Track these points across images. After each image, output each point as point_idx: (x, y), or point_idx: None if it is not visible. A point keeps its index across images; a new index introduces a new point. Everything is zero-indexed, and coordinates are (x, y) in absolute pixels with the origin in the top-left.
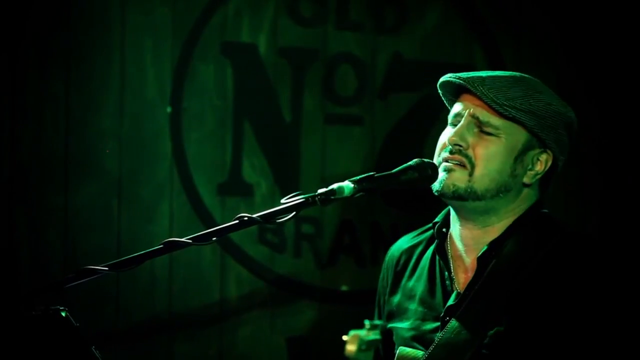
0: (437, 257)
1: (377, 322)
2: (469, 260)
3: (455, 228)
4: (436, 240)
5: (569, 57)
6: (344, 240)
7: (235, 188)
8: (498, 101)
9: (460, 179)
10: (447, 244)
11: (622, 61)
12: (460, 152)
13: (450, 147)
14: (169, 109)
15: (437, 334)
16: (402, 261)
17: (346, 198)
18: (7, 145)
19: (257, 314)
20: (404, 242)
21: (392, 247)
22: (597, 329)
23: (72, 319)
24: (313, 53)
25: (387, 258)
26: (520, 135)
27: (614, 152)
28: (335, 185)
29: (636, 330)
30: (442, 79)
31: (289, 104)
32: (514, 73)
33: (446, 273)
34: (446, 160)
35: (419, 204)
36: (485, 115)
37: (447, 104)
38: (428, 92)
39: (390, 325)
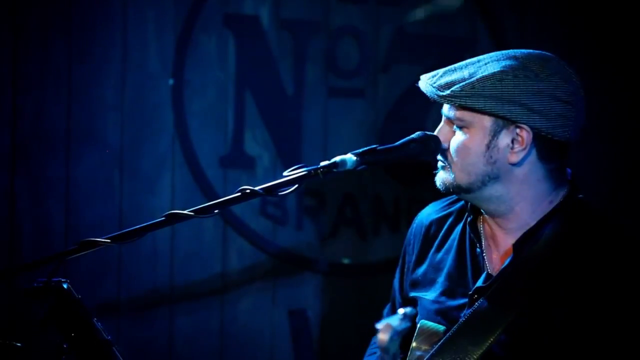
0: (467, 232)
1: (409, 311)
2: (502, 243)
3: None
4: (470, 217)
5: (572, 31)
6: (345, 213)
7: (237, 160)
8: (442, 93)
9: (445, 178)
10: (480, 221)
11: (628, 33)
12: (443, 153)
13: None
14: (170, 81)
15: (463, 312)
16: (431, 231)
17: (348, 171)
18: (9, 116)
19: (259, 287)
20: (433, 212)
21: (421, 214)
22: (621, 337)
23: (73, 291)
24: (316, 25)
25: (415, 225)
26: (483, 122)
27: (620, 126)
28: (337, 158)
29: None
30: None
31: (291, 76)
32: (482, 56)
33: (478, 250)
34: (438, 160)
35: (422, 177)
36: (448, 111)
37: None
38: (431, 65)
39: (413, 294)
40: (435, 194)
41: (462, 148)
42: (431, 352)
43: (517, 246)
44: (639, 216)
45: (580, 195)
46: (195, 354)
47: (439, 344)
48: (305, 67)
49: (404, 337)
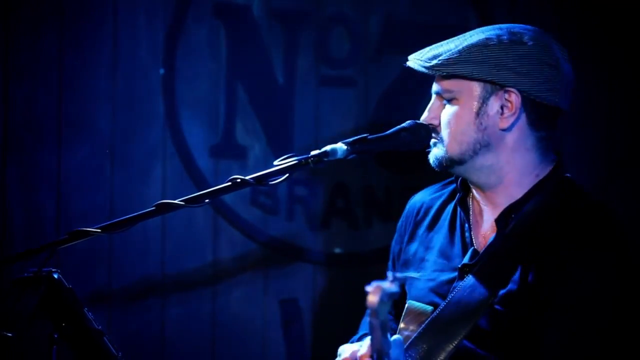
0: (458, 210)
1: (399, 274)
2: (488, 220)
3: (474, 189)
4: (459, 194)
5: (564, 19)
6: (337, 202)
7: (228, 150)
8: (429, 64)
9: (438, 152)
10: (470, 198)
11: (619, 21)
12: (434, 130)
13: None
14: (161, 71)
15: (450, 290)
16: (422, 211)
17: (339, 160)
18: (0, 105)
19: (250, 276)
20: (426, 194)
21: (414, 198)
22: (603, 304)
23: (64, 280)
24: (306, 15)
25: (407, 207)
26: (471, 89)
27: (613, 114)
28: (328, 147)
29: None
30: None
31: (282, 65)
32: (470, 32)
33: (466, 225)
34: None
35: (413, 166)
36: (437, 85)
37: None
38: None
39: (406, 273)
40: (427, 183)
41: (453, 118)
42: (418, 330)
43: (500, 222)
44: (631, 204)
45: (568, 175)
46: (187, 343)
47: (425, 322)
48: (296, 57)
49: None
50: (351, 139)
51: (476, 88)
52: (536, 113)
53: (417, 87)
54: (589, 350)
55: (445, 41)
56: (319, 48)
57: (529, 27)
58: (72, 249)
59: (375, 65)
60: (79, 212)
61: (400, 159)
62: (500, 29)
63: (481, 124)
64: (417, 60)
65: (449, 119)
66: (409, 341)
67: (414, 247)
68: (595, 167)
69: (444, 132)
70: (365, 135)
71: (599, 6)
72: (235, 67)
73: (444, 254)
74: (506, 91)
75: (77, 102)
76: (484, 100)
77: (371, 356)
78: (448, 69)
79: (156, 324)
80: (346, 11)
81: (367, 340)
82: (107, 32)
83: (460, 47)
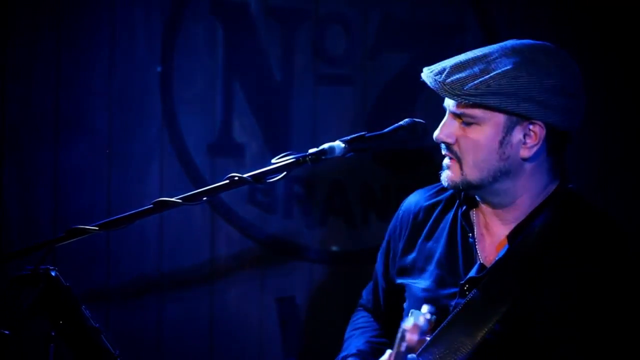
0: (459, 222)
1: (431, 310)
2: (496, 233)
3: (481, 204)
4: (464, 207)
5: (561, 19)
6: (334, 200)
7: (226, 148)
8: (457, 91)
9: (454, 174)
10: (474, 212)
11: (616, 22)
12: (449, 149)
13: (441, 143)
14: (158, 68)
15: (453, 301)
16: (419, 218)
17: (337, 158)
18: None
19: (247, 274)
20: (421, 199)
21: (408, 200)
22: (612, 325)
23: (62, 278)
24: (304, 12)
25: (402, 211)
26: (497, 118)
27: (610, 114)
28: (326, 145)
29: None
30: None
31: (280, 63)
32: (484, 49)
33: (470, 240)
34: (445, 156)
35: (410, 164)
36: (458, 107)
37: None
38: (419, 52)
39: (401, 281)
40: (424, 181)
41: (475, 145)
42: (425, 344)
43: (511, 237)
44: (628, 205)
45: (571, 185)
46: (184, 341)
47: (433, 334)
48: (293, 55)
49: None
50: (349, 137)
51: (502, 118)
52: (556, 141)
53: (415, 86)
54: None
55: (465, 59)
56: (317, 46)
57: (547, 47)
58: (69, 247)
59: (373, 64)
60: (77, 210)
61: (398, 157)
62: (522, 52)
63: (504, 153)
64: (439, 84)
65: (470, 145)
66: (417, 353)
67: (412, 256)
68: (591, 167)
69: (465, 158)
70: (363, 133)
71: (595, 6)
72: (232, 64)
73: (444, 267)
74: (531, 123)
75: (74, 99)
76: (508, 130)
77: None
78: (477, 99)
79: (153, 321)
80: (344, 9)
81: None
82: (105, 30)
83: (488, 75)
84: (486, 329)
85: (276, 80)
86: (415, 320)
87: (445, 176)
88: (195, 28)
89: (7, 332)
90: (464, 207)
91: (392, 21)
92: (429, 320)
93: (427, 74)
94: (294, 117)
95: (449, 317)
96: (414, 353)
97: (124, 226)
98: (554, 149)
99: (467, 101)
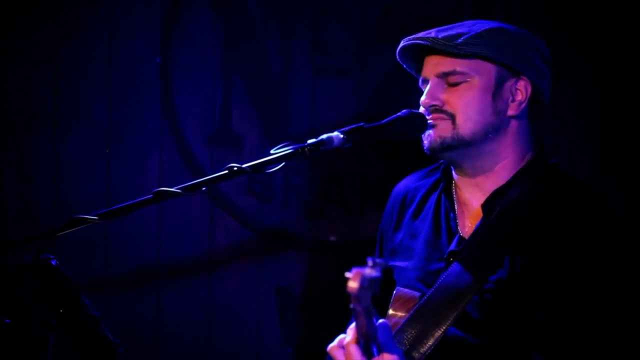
0: (442, 199)
1: (379, 260)
2: (474, 206)
3: (458, 176)
4: (442, 183)
5: (558, 12)
6: (332, 191)
7: (225, 139)
8: (451, 43)
9: (445, 129)
10: (454, 187)
11: (613, 14)
12: (437, 111)
13: (427, 109)
14: (158, 60)
15: (441, 276)
16: (407, 200)
17: (335, 149)
18: None
19: (246, 263)
20: (410, 181)
21: (398, 185)
22: (590, 283)
23: (62, 267)
24: (302, 4)
25: (392, 195)
26: (489, 71)
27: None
28: (324, 136)
29: (624, 291)
30: (398, 51)
31: (278, 55)
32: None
33: (451, 215)
34: (429, 120)
35: (408, 155)
36: (448, 65)
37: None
38: None
39: (392, 263)
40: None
41: (469, 100)
42: (407, 317)
43: (486, 207)
44: (625, 196)
45: (553, 160)
46: (182, 329)
47: (414, 309)
48: (292, 46)
49: (380, 294)
50: (347, 128)
51: (494, 70)
52: (535, 106)
53: (413, 78)
54: (583, 329)
55: (448, 26)
56: (315, 38)
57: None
58: (69, 237)
59: (371, 56)
60: (76, 201)
61: (396, 148)
62: (502, 24)
63: (497, 106)
64: (431, 39)
65: (464, 102)
66: (398, 327)
67: (400, 235)
68: (589, 158)
69: (458, 112)
70: (361, 124)
71: (593, 1)
72: (231, 56)
73: (430, 244)
74: (519, 79)
75: (73, 91)
76: (499, 83)
77: (358, 341)
78: (475, 49)
79: (152, 310)
80: (342, 1)
81: (352, 326)
82: (104, 21)
83: (478, 30)
84: (466, 300)
85: (275, 71)
86: (358, 268)
87: (435, 134)
88: (194, 20)
89: (7, 320)
90: (445, 184)
91: (390, 13)
92: (372, 267)
93: (411, 38)
94: (292, 108)
95: (430, 291)
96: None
97: (124, 216)
98: (533, 115)
99: (465, 51)
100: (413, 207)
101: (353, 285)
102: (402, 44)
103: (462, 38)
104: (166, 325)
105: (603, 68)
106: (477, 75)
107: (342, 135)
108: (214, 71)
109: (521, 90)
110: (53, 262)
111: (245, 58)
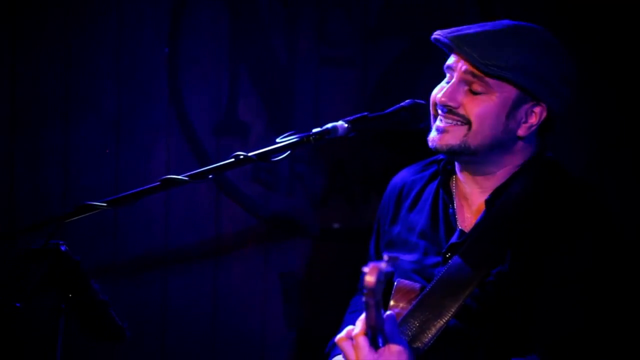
0: (440, 193)
1: (393, 254)
2: (474, 202)
3: (459, 171)
4: (440, 177)
5: (559, 3)
6: (336, 179)
7: (231, 128)
8: (483, 61)
9: (454, 137)
10: (453, 181)
11: (613, 7)
12: (451, 112)
13: (441, 107)
14: (166, 50)
15: (437, 270)
16: (404, 192)
17: (340, 138)
18: (8, 82)
19: (251, 250)
20: (407, 174)
21: (395, 177)
22: (589, 276)
23: (71, 253)
24: None
25: (389, 188)
26: (509, 92)
27: (604, 97)
28: (329, 125)
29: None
30: (433, 36)
31: (284, 46)
32: (509, 23)
33: (450, 210)
34: (440, 119)
35: (410, 144)
36: (474, 75)
37: (446, 51)
38: (420, 34)
39: (389, 254)
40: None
41: (485, 112)
42: (409, 308)
43: (489, 202)
44: (622, 188)
45: (550, 154)
46: (188, 315)
47: (416, 300)
48: (297, 37)
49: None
50: (352, 117)
51: (514, 93)
52: (547, 124)
53: (416, 68)
54: (582, 321)
55: (497, 35)
56: (320, 29)
57: (550, 33)
58: (78, 223)
59: (374, 47)
60: (85, 188)
61: (398, 137)
62: (536, 32)
63: (508, 126)
64: (469, 53)
65: (480, 113)
66: (401, 318)
67: (397, 228)
68: (586, 151)
69: (475, 121)
70: (365, 113)
71: None
72: (237, 46)
73: (427, 236)
74: (538, 104)
75: (83, 80)
76: (515, 106)
77: (366, 333)
78: (503, 73)
79: (159, 295)
80: None
81: (362, 318)
82: (113, 11)
83: (518, 55)
84: (467, 293)
85: (280, 62)
86: (375, 263)
87: (438, 138)
88: (201, 10)
89: (18, 304)
90: (443, 178)
91: (393, 5)
92: (388, 262)
93: (448, 37)
94: (297, 97)
95: (432, 283)
96: (392, 313)
97: (132, 203)
98: (543, 130)
99: (494, 72)
100: (409, 200)
101: (370, 279)
102: (437, 37)
103: (497, 60)
104: (173, 310)
105: (602, 67)
106: (498, 92)
107: (346, 125)
108: (221, 61)
109: (536, 114)
110: (62, 248)
111: (251, 49)
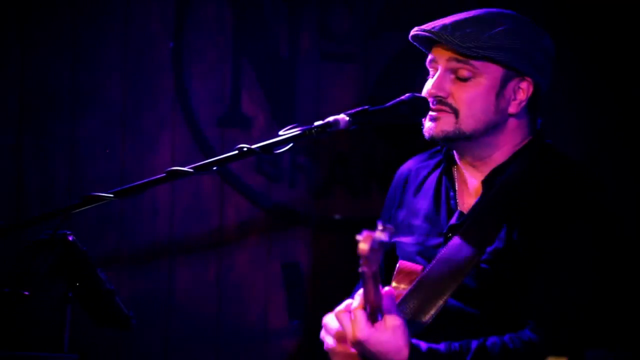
0: (443, 179)
1: (388, 224)
2: (473, 184)
3: (458, 160)
4: (443, 163)
5: (560, 9)
6: (337, 171)
7: (235, 120)
8: (465, 44)
9: (447, 123)
10: (454, 167)
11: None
12: (441, 102)
13: (432, 98)
14: (171, 44)
15: (440, 250)
16: (410, 179)
17: (341, 131)
18: (16, 75)
19: (254, 241)
20: (413, 163)
21: (401, 167)
22: (583, 252)
23: (78, 243)
24: None
25: (395, 177)
26: (496, 72)
27: (601, 87)
28: (331, 118)
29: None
30: (411, 34)
31: (286, 41)
32: (481, 10)
33: (451, 193)
34: (431, 110)
35: (411, 136)
36: (458, 60)
37: (425, 51)
38: None
39: (394, 239)
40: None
41: (474, 97)
42: (409, 288)
43: (486, 183)
44: (620, 178)
45: (549, 141)
46: (193, 304)
47: (416, 280)
48: (299, 32)
49: (386, 264)
50: (353, 111)
51: (500, 72)
52: (535, 100)
53: (416, 63)
54: (576, 297)
55: (460, 17)
56: (322, 24)
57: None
58: (85, 214)
59: (375, 42)
60: (92, 180)
61: (399, 130)
62: (513, 16)
63: (499, 105)
64: (446, 37)
65: (469, 98)
66: (401, 298)
67: (402, 213)
68: (584, 140)
69: (462, 109)
70: (366, 107)
71: None
72: (241, 41)
73: (430, 220)
74: (523, 79)
75: (90, 73)
76: (503, 85)
77: (364, 307)
78: (487, 53)
79: (164, 285)
80: None
81: (360, 292)
82: (120, 6)
83: (497, 35)
84: (466, 272)
85: (283, 56)
86: (369, 232)
87: (437, 128)
88: (205, 6)
89: (26, 293)
90: (446, 165)
91: (395, 1)
92: (382, 230)
93: (425, 30)
94: (299, 91)
95: (432, 264)
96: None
97: (137, 194)
98: (532, 107)
99: (476, 54)
100: (414, 185)
101: (364, 246)
102: (415, 33)
103: (477, 39)
104: (177, 299)
105: (601, 65)
106: (485, 74)
107: (347, 118)
108: (225, 55)
109: (523, 90)
110: (70, 238)
111: (254, 43)
